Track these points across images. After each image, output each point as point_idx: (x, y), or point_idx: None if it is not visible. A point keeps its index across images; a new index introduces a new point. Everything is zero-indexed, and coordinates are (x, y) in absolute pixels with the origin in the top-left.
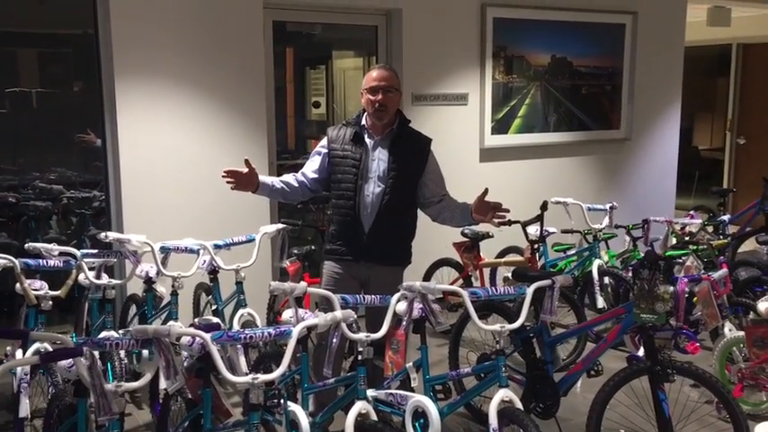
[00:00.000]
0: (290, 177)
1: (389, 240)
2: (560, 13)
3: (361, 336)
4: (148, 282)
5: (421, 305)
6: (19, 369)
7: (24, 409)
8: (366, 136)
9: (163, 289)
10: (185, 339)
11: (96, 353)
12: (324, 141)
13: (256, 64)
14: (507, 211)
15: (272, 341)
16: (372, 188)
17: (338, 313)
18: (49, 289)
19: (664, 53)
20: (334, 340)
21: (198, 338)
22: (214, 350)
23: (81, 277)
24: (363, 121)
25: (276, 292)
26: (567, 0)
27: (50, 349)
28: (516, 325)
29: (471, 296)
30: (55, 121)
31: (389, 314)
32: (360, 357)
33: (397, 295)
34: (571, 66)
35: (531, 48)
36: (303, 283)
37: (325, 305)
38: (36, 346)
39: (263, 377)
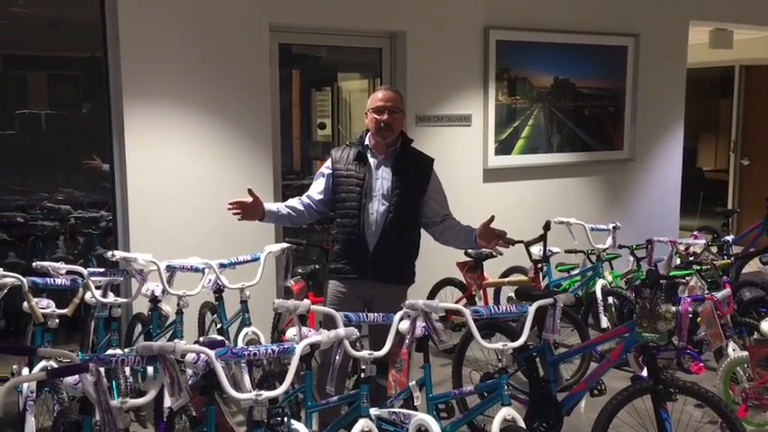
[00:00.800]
0: (295, 202)
1: (394, 258)
2: (563, 36)
3: (364, 353)
4: (154, 300)
5: (424, 323)
6: (25, 387)
7: (30, 427)
8: (369, 155)
9: (168, 308)
10: (190, 357)
11: (102, 369)
12: (328, 162)
13: (262, 86)
14: (511, 242)
15: (277, 360)
16: (377, 206)
17: (341, 330)
18: (56, 308)
19: (666, 75)
20: (337, 357)
21: (202, 356)
22: (218, 366)
23: (87, 296)
24: (366, 141)
25: (280, 309)
26: (569, 23)
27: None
28: (519, 343)
29: (473, 314)
30: (63, 143)
31: (392, 332)
32: (363, 375)
33: (399, 313)
34: (574, 87)
35: (533, 70)
36: (306, 301)
37: (329, 324)
38: (42, 363)
39: (266, 394)
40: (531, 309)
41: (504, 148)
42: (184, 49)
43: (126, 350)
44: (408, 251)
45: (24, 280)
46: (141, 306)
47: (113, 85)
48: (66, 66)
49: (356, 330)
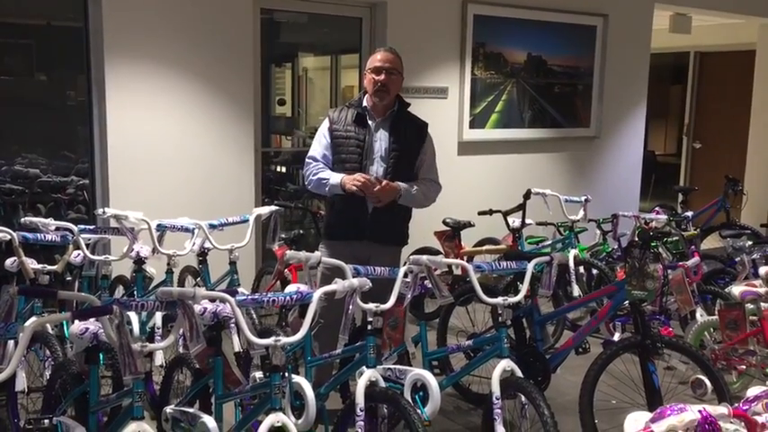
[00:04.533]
0: (327, 170)
1: (391, 220)
2: (537, 13)
3: (371, 306)
4: (139, 262)
5: (420, 283)
6: (11, 343)
7: (21, 382)
8: (368, 117)
9: (153, 270)
10: (197, 309)
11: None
12: (326, 123)
13: (245, 50)
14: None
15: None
16: (376, 168)
17: (355, 281)
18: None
19: (631, 55)
20: (351, 307)
21: (210, 307)
22: (238, 312)
23: (72, 256)
24: (365, 103)
25: (292, 260)
26: (543, 0)
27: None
28: (519, 297)
29: (476, 270)
30: (17, 111)
31: (397, 286)
32: (369, 327)
33: (404, 269)
34: (546, 64)
35: (508, 45)
36: (317, 253)
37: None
38: (33, 319)
39: (285, 339)
40: (530, 265)
41: (478, 121)
42: (166, 12)
43: None
44: (404, 212)
45: (15, 235)
46: (122, 269)
47: (94, 49)
48: (16, 34)
49: (368, 281)
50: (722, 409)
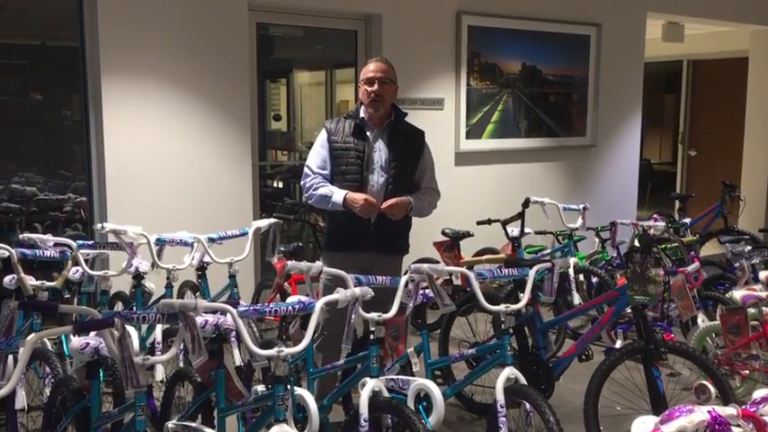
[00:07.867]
0: (327, 184)
1: (393, 229)
2: (531, 23)
3: (374, 315)
4: (138, 277)
5: (423, 291)
6: (11, 359)
7: (20, 400)
8: (366, 128)
9: (152, 285)
10: (198, 321)
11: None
12: (323, 134)
13: (241, 64)
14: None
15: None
16: (377, 178)
17: (357, 290)
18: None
19: (625, 64)
20: (353, 316)
21: (211, 319)
22: (240, 323)
23: (71, 272)
24: (362, 114)
25: (293, 270)
26: (537, 10)
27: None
28: (521, 305)
29: (478, 277)
30: (14, 129)
31: (399, 294)
32: (372, 336)
33: (405, 278)
34: (540, 74)
35: (503, 55)
36: (318, 263)
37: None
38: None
39: (288, 350)
40: (532, 271)
41: (474, 132)
42: (162, 28)
43: None
44: (405, 222)
45: (13, 251)
46: (121, 285)
47: (90, 66)
48: (11, 54)
49: (371, 290)
50: (731, 410)
